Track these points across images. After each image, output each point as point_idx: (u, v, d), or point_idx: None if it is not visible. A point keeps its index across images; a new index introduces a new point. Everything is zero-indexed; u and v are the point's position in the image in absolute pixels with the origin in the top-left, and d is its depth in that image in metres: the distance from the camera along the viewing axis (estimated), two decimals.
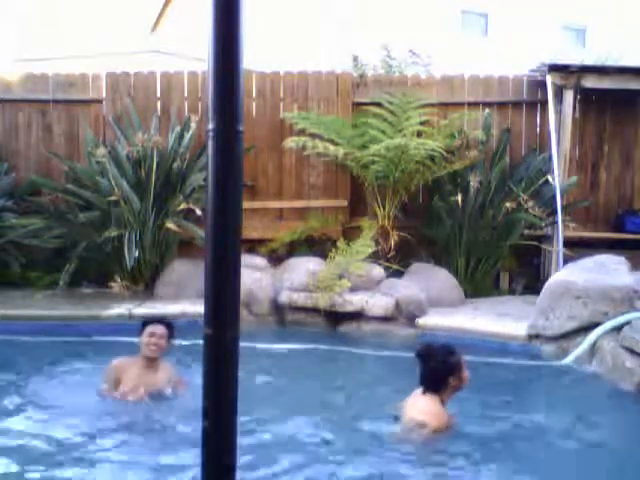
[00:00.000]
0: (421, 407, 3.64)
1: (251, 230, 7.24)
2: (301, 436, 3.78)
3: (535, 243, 7.30)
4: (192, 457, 3.18)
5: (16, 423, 3.95)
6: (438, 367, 3.63)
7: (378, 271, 6.60)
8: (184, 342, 4.93)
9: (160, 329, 4.34)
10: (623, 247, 7.08)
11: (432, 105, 7.56)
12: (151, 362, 4.34)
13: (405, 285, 6.46)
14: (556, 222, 6.90)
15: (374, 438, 3.73)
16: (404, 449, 3.61)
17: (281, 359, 5.45)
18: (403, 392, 4.61)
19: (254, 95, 7.73)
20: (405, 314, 6.18)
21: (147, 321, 4.47)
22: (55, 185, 7.35)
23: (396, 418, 3.80)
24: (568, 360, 5.15)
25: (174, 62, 12.06)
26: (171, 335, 4.40)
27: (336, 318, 6.24)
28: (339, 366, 5.32)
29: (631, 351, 4.67)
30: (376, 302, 6.16)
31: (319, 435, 3.79)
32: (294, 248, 7.39)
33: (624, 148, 8.05)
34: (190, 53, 13.85)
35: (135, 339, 5.74)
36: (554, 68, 7.16)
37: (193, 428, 3.44)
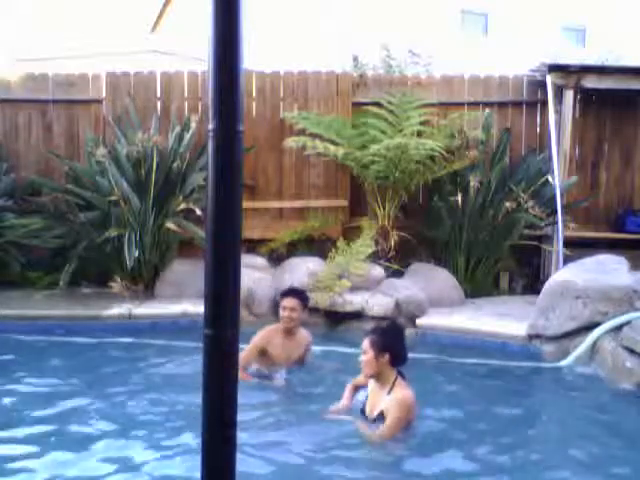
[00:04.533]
0: None
1: (251, 230, 7.24)
2: (296, 437, 3.78)
3: (535, 243, 7.30)
4: None
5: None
6: None
7: (378, 271, 6.60)
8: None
9: (290, 302, 4.71)
10: (623, 247, 7.08)
11: (432, 105, 7.55)
12: (290, 332, 4.73)
13: (405, 285, 6.46)
14: (556, 222, 6.90)
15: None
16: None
17: None
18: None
19: (254, 95, 7.73)
20: (405, 314, 6.18)
21: (283, 293, 4.87)
22: (55, 185, 7.34)
23: None
24: (568, 360, 5.15)
25: (174, 62, 12.06)
26: (305, 305, 4.83)
27: (336, 318, 6.24)
28: (340, 366, 5.30)
29: (631, 351, 4.67)
30: (376, 302, 6.16)
31: (312, 436, 3.78)
32: (294, 248, 7.39)
33: (624, 148, 8.05)
34: (190, 53, 13.87)
35: (134, 340, 5.81)
36: (554, 68, 7.16)
37: None
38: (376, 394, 3.74)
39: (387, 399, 3.63)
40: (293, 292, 4.88)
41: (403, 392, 3.63)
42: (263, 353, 4.68)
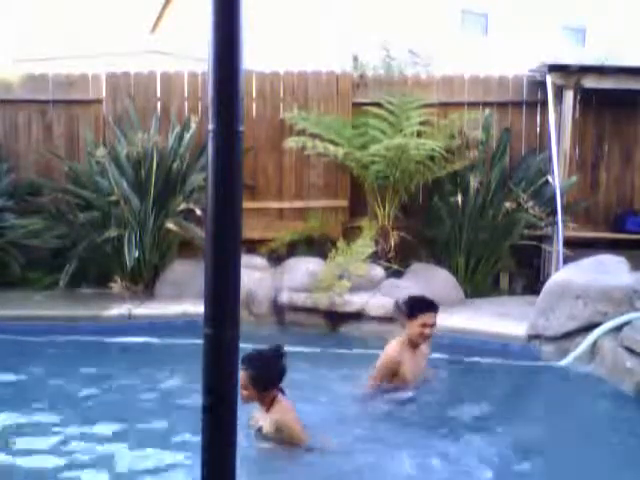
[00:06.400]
0: None
1: (251, 230, 7.22)
2: None
3: (535, 243, 7.29)
4: None
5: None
6: None
7: (378, 271, 6.60)
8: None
9: (434, 319, 4.36)
10: (623, 247, 7.07)
11: (432, 105, 7.55)
12: (417, 346, 4.40)
13: (405, 285, 6.46)
14: (556, 222, 6.89)
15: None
16: None
17: None
18: None
19: (254, 95, 7.73)
20: None
21: (417, 303, 4.44)
22: (55, 185, 7.34)
23: None
24: (568, 360, 5.15)
25: (174, 62, 12.06)
26: None
27: (336, 318, 6.24)
28: (339, 366, 5.30)
29: (631, 351, 4.67)
30: (376, 302, 6.16)
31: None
32: (294, 248, 7.38)
33: (624, 148, 8.04)
34: (190, 53, 13.86)
35: (134, 339, 5.80)
36: (554, 68, 7.16)
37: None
38: (258, 409, 3.62)
39: (267, 417, 3.53)
40: (436, 306, 4.43)
41: (281, 411, 3.52)
42: (394, 374, 4.30)
